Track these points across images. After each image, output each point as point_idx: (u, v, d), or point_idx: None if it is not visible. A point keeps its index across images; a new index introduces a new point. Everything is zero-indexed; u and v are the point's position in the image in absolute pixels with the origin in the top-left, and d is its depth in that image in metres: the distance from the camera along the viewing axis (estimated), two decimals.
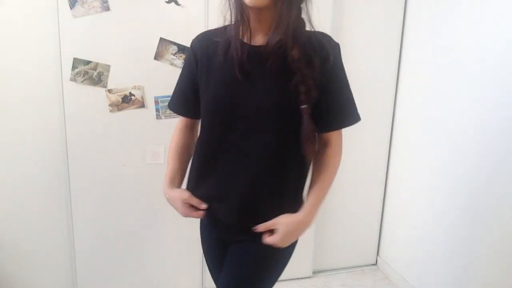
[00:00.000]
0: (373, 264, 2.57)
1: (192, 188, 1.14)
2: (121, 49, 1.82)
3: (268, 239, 1.04)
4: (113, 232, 2.00)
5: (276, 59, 0.98)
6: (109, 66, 1.82)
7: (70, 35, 1.76)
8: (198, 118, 1.16)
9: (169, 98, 1.21)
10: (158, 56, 1.86)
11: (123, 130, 1.90)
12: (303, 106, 0.99)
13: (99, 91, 1.84)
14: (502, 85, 1.64)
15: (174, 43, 1.86)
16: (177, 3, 1.83)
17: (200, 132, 1.13)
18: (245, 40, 1.01)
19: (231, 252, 1.14)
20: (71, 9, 1.74)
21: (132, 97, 1.88)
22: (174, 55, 1.87)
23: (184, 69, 1.17)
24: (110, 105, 1.87)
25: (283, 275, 1.18)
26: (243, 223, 1.07)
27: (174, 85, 1.20)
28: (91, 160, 1.90)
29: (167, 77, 1.86)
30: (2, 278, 1.96)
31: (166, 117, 1.92)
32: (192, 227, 2.23)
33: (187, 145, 1.21)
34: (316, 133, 1.04)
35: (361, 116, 1.08)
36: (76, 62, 1.79)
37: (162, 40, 1.85)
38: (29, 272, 1.98)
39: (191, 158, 1.19)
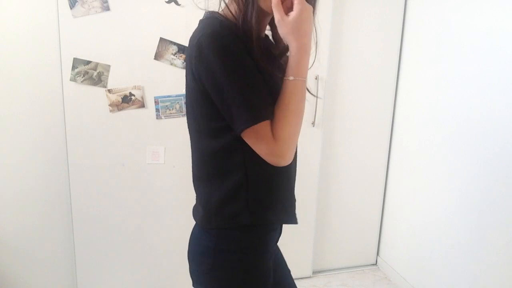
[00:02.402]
0: (373, 264, 2.57)
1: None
2: (121, 49, 1.82)
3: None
4: (113, 232, 2.00)
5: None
6: (109, 66, 1.82)
7: (70, 35, 1.76)
8: None
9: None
10: (158, 56, 1.86)
11: (123, 130, 1.90)
12: None
13: (99, 91, 1.84)
14: (502, 85, 1.64)
15: (174, 43, 1.86)
16: (177, 3, 1.83)
17: None
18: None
19: (277, 262, 1.13)
20: (71, 9, 1.74)
21: (132, 97, 1.88)
22: (174, 55, 1.87)
23: (249, 65, 0.84)
24: (110, 105, 1.87)
25: None
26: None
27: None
28: (91, 160, 1.90)
29: (167, 77, 1.87)
30: (2, 278, 1.96)
31: (166, 117, 1.92)
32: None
33: None
34: None
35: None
36: (76, 62, 1.79)
37: (162, 40, 1.85)
38: (29, 272, 1.98)
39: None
